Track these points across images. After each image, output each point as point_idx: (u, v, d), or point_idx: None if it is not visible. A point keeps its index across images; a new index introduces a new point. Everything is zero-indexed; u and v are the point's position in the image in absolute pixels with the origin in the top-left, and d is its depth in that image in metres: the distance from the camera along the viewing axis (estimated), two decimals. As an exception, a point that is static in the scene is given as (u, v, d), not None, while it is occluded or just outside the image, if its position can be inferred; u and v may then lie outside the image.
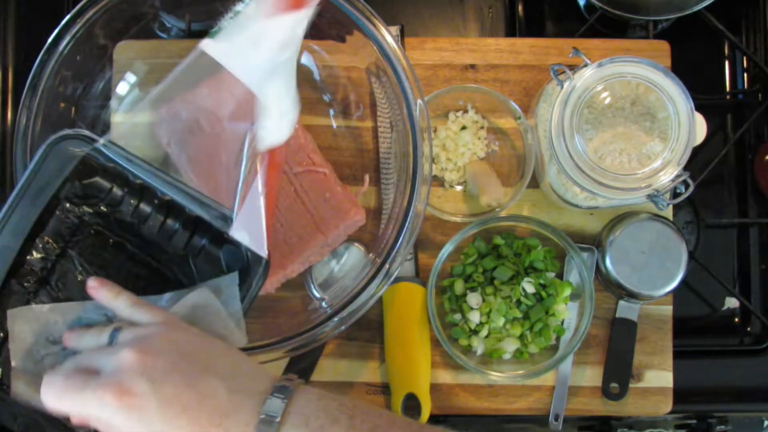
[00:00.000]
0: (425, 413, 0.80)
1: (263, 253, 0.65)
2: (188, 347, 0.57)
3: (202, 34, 0.83)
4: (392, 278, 0.71)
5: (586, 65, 0.72)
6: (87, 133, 0.65)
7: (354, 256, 0.80)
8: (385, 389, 0.82)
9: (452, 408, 0.83)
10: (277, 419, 0.54)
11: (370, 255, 0.76)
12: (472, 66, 0.85)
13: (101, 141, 0.65)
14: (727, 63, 0.94)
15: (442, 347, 0.81)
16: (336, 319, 0.70)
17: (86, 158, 0.65)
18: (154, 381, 0.54)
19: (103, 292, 0.62)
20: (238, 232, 0.65)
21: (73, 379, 0.56)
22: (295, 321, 0.74)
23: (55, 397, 0.56)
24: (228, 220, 0.66)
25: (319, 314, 0.72)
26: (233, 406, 0.55)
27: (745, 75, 0.93)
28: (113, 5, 0.72)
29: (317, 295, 0.79)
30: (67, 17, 0.71)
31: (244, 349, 0.65)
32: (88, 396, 0.54)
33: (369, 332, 0.83)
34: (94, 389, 0.54)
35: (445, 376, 0.83)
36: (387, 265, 0.70)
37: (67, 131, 0.65)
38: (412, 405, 0.79)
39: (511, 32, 0.93)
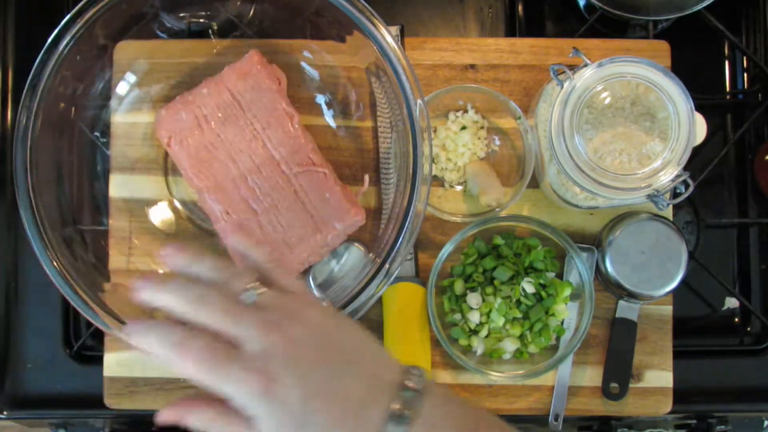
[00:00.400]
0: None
1: None
2: (331, 332, 0.56)
3: (202, 34, 0.84)
4: (392, 278, 0.71)
5: (586, 65, 0.72)
6: None
7: (354, 256, 0.80)
8: (385, 389, 0.82)
9: (452, 408, 0.83)
10: (407, 416, 0.53)
11: (370, 255, 0.76)
12: (472, 66, 0.85)
13: None
14: (727, 63, 0.94)
15: (442, 347, 0.81)
16: (336, 319, 0.70)
17: None
18: (302, 374, 0.52)
19: (242, 238, 0.59)
20: None
21: (217, 349, 0.53)
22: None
23: (193, 365, 0.52)
24: None
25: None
26: (369, 398, 0.54)
27: (745, 75, 0.93)
28: (113, 5, 0.72)
29: (317, 295, 0.79)
30: (67, 17, 0.71)
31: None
32: (232, 377, 0.52)
33: (369, 332, 0.83)
34: (239, 371, 0.52)
35: (445, 376, 0.83)
36: (387, 265, 0.70)
37: None
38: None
39: (511, 32, 0.93)
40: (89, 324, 0.86)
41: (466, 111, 0.84)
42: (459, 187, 0.84)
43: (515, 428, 0.56)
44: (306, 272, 0.79)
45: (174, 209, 0.83)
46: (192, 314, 0.54)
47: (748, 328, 0.91)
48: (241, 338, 0.53)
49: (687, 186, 0.71)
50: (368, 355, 0.57)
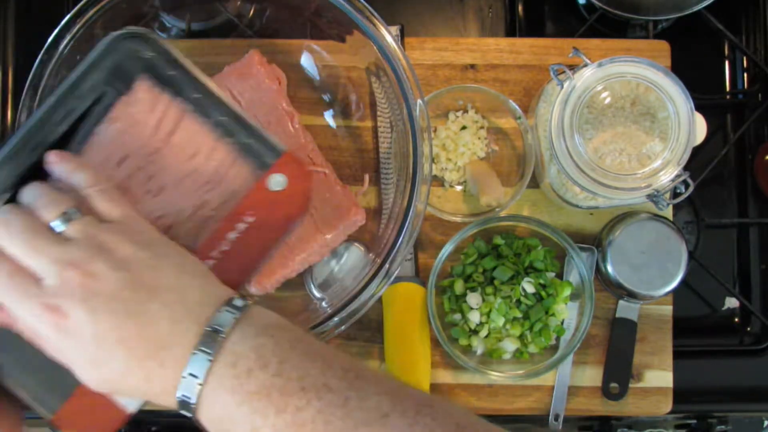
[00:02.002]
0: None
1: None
2: (140, 267, 0.54)
3: (202, 34, 0.84)
4: (392, 278, 0.71)
5: (586, 65, 0.72)
6: (151, 34, 0.62)
7: (354, 255, 0.80)
8: (385, 389, 0.82)
9: (452, 408, 0.83)
10: (210, 357, 0.51)
11: (370, 255, 0.76)
12: (472, 66, 0.85)
13: (170, 48, 0.62)
14: (727, 63, 0.94)
15: (442, 347, 0.81)
16: (336, 318, 0.70)
17: (149, 61, 0.62)
18: (94, 310, 0.51)
19: (61, 167, 0.57)
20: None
21: (15, 279, 0.53)
22: (296, 321, 0.73)
23: None
24: (278, 154, 0.63)
25: (320, 314, 0.72)
26: (173, 337, 0.52)
27: (745, 75, 0.93)
28: (113, 5, 0.72)
29: (317, 295, 0.79)
30: (67, 17, 0.70)
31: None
32: (25, 308, 0.52)
33: (369, 332, 0.83)
34: (32, 306, 0.52)
35: (445, 376, 0.83)
36: (387, 265, 0.70)
37: (131, 29, 0.62)
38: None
39: (511, 32, 0.93)
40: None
41: (466, 111, 0.84)
42: (459, 187, 0.84)
43: (339, 356, 0.53)
44: (306, 272, 0.79)
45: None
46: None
47: (748, 328, 0.91)
48: (39, 272, 0.53)
49: (687, 186, 0.71)
50: (183, 290, 0.54)
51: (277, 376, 0.50)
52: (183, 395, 0.51)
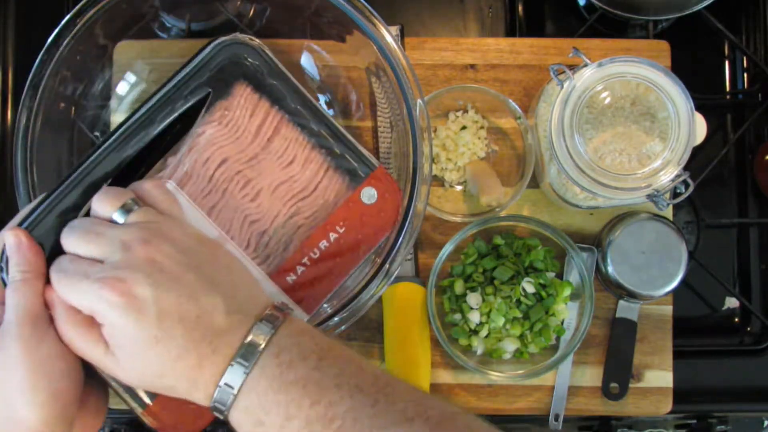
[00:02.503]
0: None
1: None
2: (200, 256, 0.56)
3: (202, 34, 0.84)
4: (392, 278, 0.71)
5: (585, 65, 0.72)
6: (254, 41, 0.64)
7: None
8: (385, 389, 0.82)
9: (452, 408, 0.83)
10: (260, 347, 0.53)
11: (370, 255, 0.76)
12: (472, 66, 0.85)
13: (272, 56, 0.64)
14: (727, 63, 0.94)
15: (442, 347, 0.81)
16: (336, 318, 0.70)
17: (251, 67, 0.64)
18: (159, 286, 0.52)
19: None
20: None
21: (75, 264, 0.54)
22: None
23: (55, 284, 0.54)
24: (371, 168, 0.65)
25: (320, 314, 0.72)
26: (228, 326, 0.53)
27: (745, 75, 0.93)
28: (113, 5, 0.72)
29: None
30: (67, 17, 0.70)
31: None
32: (84, 287, 0.53)
33: (369, 332, 0.83)
34: (93, 282, 0.52)
35: (445, 376, 0.83)
36: (387, 265, 0.70)
37: (238, 36, 0.64)
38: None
39: (511, 32, 0.93)
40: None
41: (466, 111, 0.84)
42: (459, 187, 0.84)
43: (370, 366, 0.55)
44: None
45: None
46: (63, 242, 0.57)
47: (748, 328, 0.91)
48: (103, 254, 0.54)
49: (687, 186, 0.71)
50: (235, 287, 0.56)
51: (315, 370, 0.53)
52: (225, 383, 0.52)
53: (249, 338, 0.53)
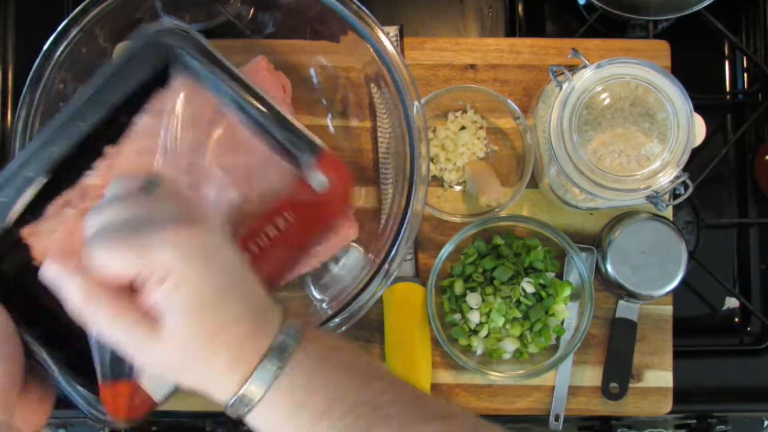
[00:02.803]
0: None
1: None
2: (216, 256, 0.51)
3: (202, 34, 0.84)
4: (392, 278, 0.71)
5: (585, 66, 0.72)
6: (189, 29, 0.62)
7: (353, 256, 0.80)
8: (384, 389, 0.82)
9: (452, 408, 0.83)
10: (287, 356, 0.50)
11: (370, 255, 0.76)
12: (472, 66, 0.85)
13: (208, 44, 0.61)
14: (727, 63, 0.93)
15: (442, 347, 0.81)
16: (337, 319, 0.70)
17: (187, 55, 0.61)
18: (224, 238, 0.51)
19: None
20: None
21: (127, 225, 0.48)
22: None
23: (107, 248, 0.48)
24: (315, 151, 0.62)
25: (320, 315, 0.72)
26: (270, 305, 0.52)
27: (745, 75, 0.93)
28: (113, 6, 0.72)
29: (317, 296, 0.79)
30: (68, 18, 0.71)
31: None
32: (144, 240, 0.47)
33: (369, 332, 0.83)
34: (155, 230, 0.47)
35: (445, 376, 0.83)
36: (386, 265, 0.70)
37: (167, 25, 0.62)
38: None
39: (511, 32, 0.93)
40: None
41: (465, 111, 0.84)
42: (458, 187, 0.84)
43: (366, 355, 0.56)
44: (305, 274, 0.79)
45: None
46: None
47: (748, 328, 0.91)
48: (149, 213, 0.50)
49: (686, 187, 0.71)
50: (249, 288, 0.52)
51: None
52: (274, 356, 0.50)
53: (277, 343, 0.50)
